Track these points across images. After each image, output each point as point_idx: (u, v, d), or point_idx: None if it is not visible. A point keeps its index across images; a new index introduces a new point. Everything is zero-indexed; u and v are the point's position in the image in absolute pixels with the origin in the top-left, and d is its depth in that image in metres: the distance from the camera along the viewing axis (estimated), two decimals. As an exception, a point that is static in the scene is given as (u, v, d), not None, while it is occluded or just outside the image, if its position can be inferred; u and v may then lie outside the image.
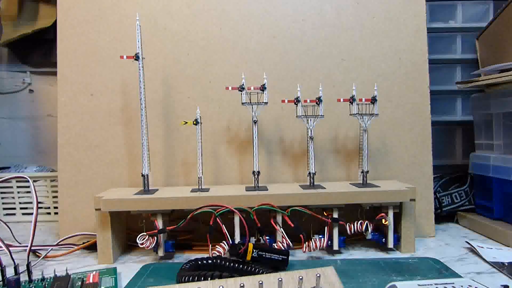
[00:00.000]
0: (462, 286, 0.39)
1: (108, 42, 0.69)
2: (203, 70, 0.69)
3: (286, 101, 0.63)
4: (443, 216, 0.77)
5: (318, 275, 0.37)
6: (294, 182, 0.69)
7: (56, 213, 0.86)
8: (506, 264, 0.52)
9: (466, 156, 0.83)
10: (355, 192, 0.58)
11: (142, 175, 0.61)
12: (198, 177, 0.62)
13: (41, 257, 0.59)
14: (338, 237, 0.58)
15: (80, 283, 0.46)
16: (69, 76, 0.69)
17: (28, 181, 0.57)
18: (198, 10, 0.69)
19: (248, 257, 0.49)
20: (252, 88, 0.61)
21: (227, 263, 0.48)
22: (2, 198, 0.88)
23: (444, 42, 0.86)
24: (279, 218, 0.57)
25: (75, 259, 0.60)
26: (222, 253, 0.53)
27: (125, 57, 0.60)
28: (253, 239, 0.56)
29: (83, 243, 0.63)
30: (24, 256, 0.51)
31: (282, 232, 0.56)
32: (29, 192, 0.88)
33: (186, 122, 0.61)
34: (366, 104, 0.63)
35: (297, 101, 0.62)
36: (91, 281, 0.47)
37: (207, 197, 0.56)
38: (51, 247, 0.63)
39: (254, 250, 0.50)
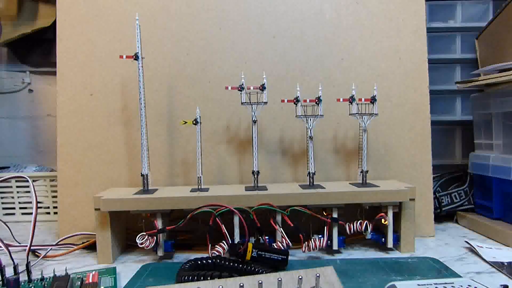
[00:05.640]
0: (461, 286, 0.39)
1: (107, 41, 0.69)
2: (203, 69, 0.69)
3: (285, 100, 0.63)
4: (442, 215, 0.77)
5: (317, 275, 0.37)
6: (294, 182, 0.69)
7: (55, 213, 0.86)
8: (506, 263, 0.52)
9: (465, 156, 0.83)
10: (355, 192, 0.58)
11: (142, 175, 0.61)
12: (198, 177, 0.62)
13: (41, 257, 0.59)
14: (337, 237, 0.58)
15: (79, 283, 0.46)
16: (68, 76, 0.69)
17: (27, 181, 0.57)
18: (197, 9, 0.69)
19: (248, 257, 0.49)
20: (251, 87, 0.61)
21: (227, 263, 0.48)
22: (2, 198, 0.88)
23: (443, 41, 0.86)
24: (278, 218, 0.57)
25: (74, 259, 0.60)
26: (222, 253, 0.53)
27: (124, 56, 0.60)
28: (252, 239, 0.56)
29: (83, 242, 0.63)
30: (24, 256, 0.51)
31: (282, 232, 0.56)
32: (28, 192, 0.88)
33: (186, 122, 0.61)
34: (365, 104, 0.63)
35: (296, 100, 0.62)
36: (90, 281, 0.47)
37: (206, 197, 0.56)
38: (50, 247, 0.63)
39: (254, 250, 0.50)
